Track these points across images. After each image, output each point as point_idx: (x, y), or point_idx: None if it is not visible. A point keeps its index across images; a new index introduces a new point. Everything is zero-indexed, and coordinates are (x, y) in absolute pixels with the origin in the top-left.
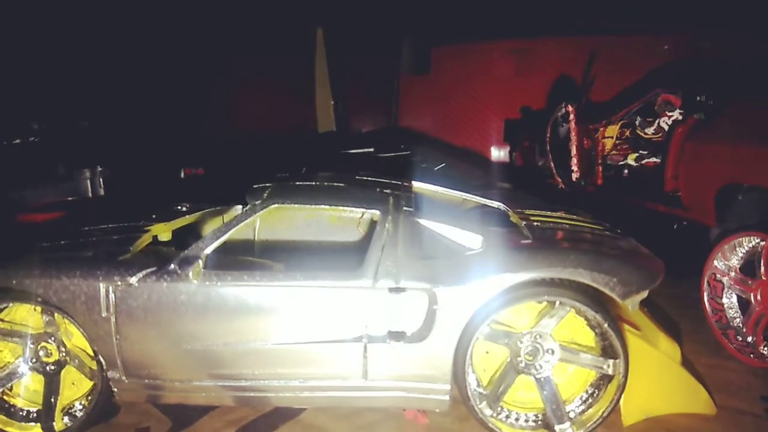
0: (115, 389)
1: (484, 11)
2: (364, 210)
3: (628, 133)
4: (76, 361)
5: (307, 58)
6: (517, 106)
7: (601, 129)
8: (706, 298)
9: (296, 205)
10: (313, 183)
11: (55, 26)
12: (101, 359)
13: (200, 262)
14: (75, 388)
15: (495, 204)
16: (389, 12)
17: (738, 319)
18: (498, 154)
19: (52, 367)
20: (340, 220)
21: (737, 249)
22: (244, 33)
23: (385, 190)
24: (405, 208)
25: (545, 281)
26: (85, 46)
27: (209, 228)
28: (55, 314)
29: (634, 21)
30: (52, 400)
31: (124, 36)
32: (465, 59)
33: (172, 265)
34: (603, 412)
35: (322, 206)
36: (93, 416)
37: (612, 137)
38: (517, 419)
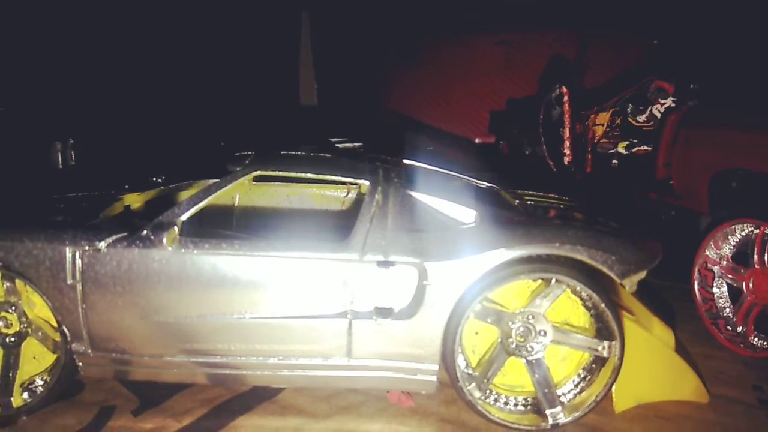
0: (80, 363)
1: (474, 2)
2: (352, 180)
3: (618, 121)
4: (39, 333)
5: (293, 40)
6: (504, 97)
7: (592, 116)
8: (696, 288)
9: (279, 174)
10: (298, 153)
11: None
12: (65, 330)
13: (176, 228)
14: (36, 362)
15: (487, 184)
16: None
17: (728, 309)
18: (482, 143)
19: (12, 339)
20: (325, 198)
21: (730, 237)
22: (231, 15)
23: (374, 162)
24: (395, 180)
25: (541, 258)
26: (65, 26)
27: None
28: (17, 281)
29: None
30: (11, 374)
31: (106, 17)
32: (453, 49)
33: (145, 231)
34: (596, 397)
35: (308, 175)
36: (55, 393)
37: (603, 125)
38: (506, 403)
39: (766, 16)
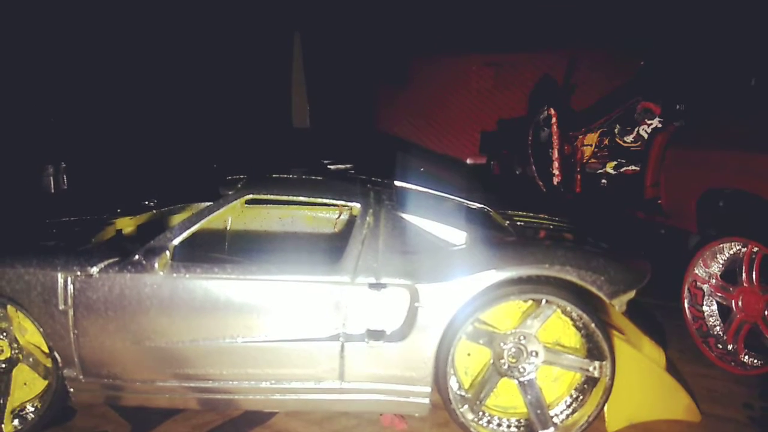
0: (71, 389)
1: (463, 24)
2: (343, 203)
3: (606, 142)
4: (30, 359)
5: (284, 60)
6: (494, 118)
7: (580, 137)
8: (686, 306)
9: (271, 197)
10: (290, 176)
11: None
12: (57, 356)
13: (167, 252)
14: (27, 388)
15: (477, 205)
16: (369, 19)
17: (718, 327)
18: (473, 164)
19: (3, 366)
20: (316, 220)
21: (718, 256)
22: (223, 35)
23: (366, 185)
24: (387, 202)
25: (531, 279)
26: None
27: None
28: (8, 307)
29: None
30: (2, 401)
31: (97, 33)
32: (443, 70)
33: (137, 256)
34: (589, 417)
35: (300, 198)
36: (46, 419)
37: (591, 145)
38: (499, 425)
39: (751, 36)
